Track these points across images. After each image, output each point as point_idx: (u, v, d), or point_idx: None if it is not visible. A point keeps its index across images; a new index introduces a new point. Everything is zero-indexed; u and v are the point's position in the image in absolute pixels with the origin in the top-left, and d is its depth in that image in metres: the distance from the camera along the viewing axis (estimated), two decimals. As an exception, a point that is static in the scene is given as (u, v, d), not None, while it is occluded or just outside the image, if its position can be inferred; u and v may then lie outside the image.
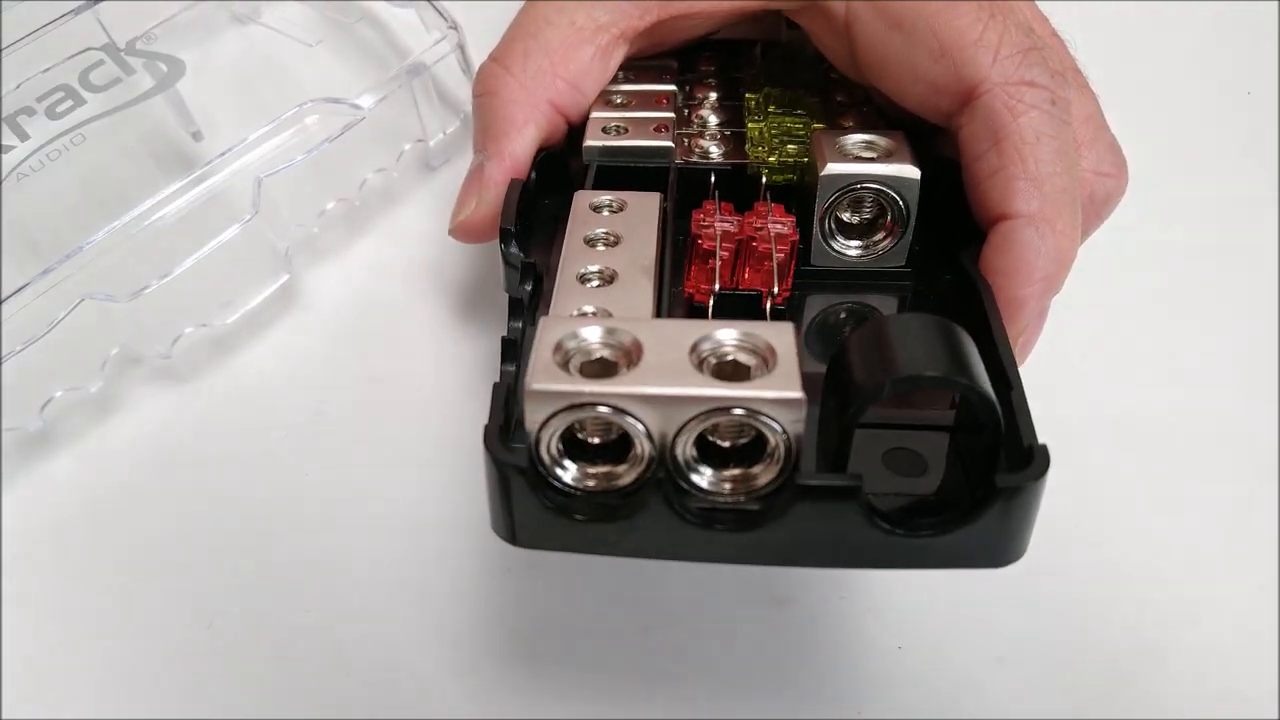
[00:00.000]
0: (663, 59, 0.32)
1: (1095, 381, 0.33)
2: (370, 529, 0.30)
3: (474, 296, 0.35)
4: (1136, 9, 0.42)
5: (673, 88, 0.31)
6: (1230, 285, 0.36)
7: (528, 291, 0.26)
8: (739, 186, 0.28)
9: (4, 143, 0.32)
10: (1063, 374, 0.32)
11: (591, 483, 0.20)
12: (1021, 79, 0.26)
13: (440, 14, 0.35)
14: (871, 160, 0.26)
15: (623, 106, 0.30)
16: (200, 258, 0.30)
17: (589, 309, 0.22)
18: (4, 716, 0.28)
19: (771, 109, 0.30)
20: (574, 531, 0.20)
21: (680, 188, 0.28)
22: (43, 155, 0.32)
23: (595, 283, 0.23)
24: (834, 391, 0.20)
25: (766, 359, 0.19)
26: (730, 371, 0.19)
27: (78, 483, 0.31)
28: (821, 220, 0.27)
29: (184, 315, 0.31)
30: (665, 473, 0.19)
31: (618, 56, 0.31)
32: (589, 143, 0.29)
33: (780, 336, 0.19)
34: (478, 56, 0.36)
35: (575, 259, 0.24)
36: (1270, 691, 0.28)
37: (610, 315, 0.22)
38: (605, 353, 0.20)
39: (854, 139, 0.27)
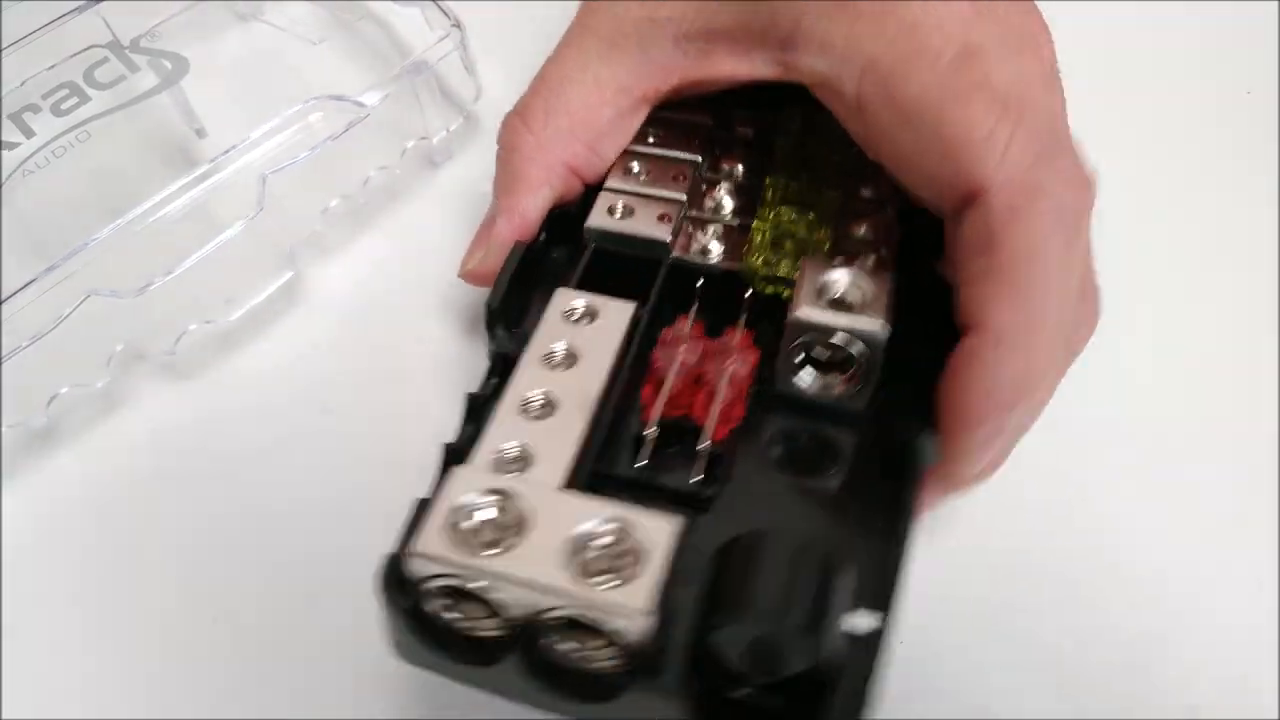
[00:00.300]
0: (698, 112, 0.32)
1: (1094, 381, 0.33)
2: (373, 526, 0.30)
3: (477, 294, 0.35)
4: (1132, 8, 0.42)
5: (696, 159, 0.31)
6: (1226, 284, 0.36)
7: (490, 390, 0.27)
8: (729, 290, 0.29)
9: (9, 139, 0.32)
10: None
11: (465, 627, 0.21)
12: (1029, 183, 0.24)
13: (443, 12, 0.35)
14: (848, 307, 0.26)
15: (638, 176, 0.31)
16: (205, 254, 0.30)
17: (513, 447, 0.24)
18: (5, 715, 0.28)
19: (784, 206, 0.30)
20: (447, 664, 0.22)
21: (672, 281, 0.29)
22: (48, 152, 0.32)
23: (535, 410, 0.25)
24: (713, 580, 0.21)
25: (636, 562, 0.20)
26: (599, 568, 0.20)
27: (82, 478, 0.31)
28: (788, 354, 0.27)
29: (189, 312, 0.31)
30: (527, 634, 0.21)
31: (639, 118, 0.31)
32: (591, 222, 0.29)
33: (657, 538, 0.20)
34: (480, 55, 0.36)
35: (527, 377, 0.25)
36: (1270, 691, 0.28)
37: (526, 463, 0.24)
38: (498, 520, 0.21)
39: (838, 277, 0.26)
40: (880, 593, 0.23)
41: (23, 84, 0.34)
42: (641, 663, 0.20)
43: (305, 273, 0.35)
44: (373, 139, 0.34)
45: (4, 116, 0.32)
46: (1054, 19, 0.29)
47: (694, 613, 0.21)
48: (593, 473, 0.25)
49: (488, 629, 0.21)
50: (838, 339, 0.26)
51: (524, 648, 0.21)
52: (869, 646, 0.22)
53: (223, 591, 0.29)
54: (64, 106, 0.33)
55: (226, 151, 0.31)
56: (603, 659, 0.21)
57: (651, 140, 0.32)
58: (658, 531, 0.21)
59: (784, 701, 0.21)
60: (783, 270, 0.28)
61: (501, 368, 0.27)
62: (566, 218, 0.31)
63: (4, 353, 0.28)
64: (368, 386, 0.33)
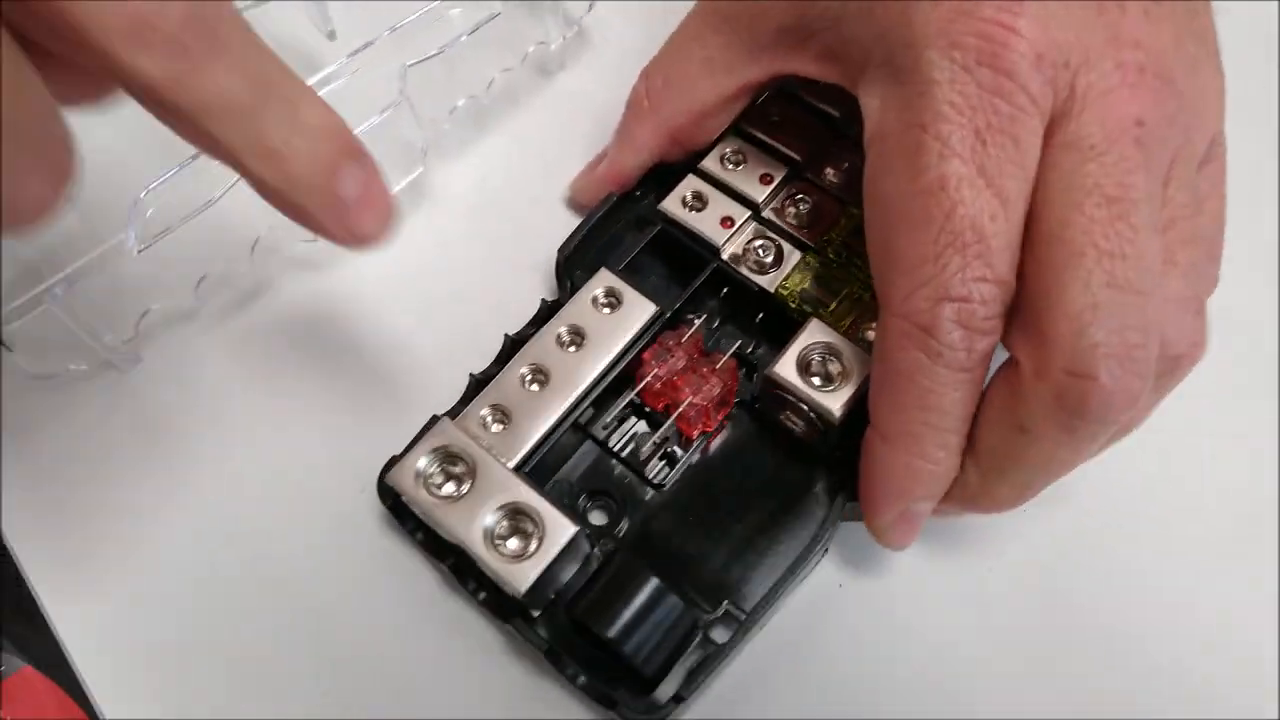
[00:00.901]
0: (829, 101, 0.33)
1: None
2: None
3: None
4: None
5: (796, 158, 0.32)
6: (1226, 284, 0.34)
7: (526, 335, 0.30)
8: (756, 306, 0.31)
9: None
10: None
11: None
12: (918, 322, 0.24)
13: (561, -79, 0.36)
14: (825, 377, 0.28)
15: (731, 163, 0.32)
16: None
17: (500, 411, 0.29)
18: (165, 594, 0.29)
19: (843, 247, 0.31)
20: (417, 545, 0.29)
21: (710, 284, 0.31)
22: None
23: (530, 382, 0.29)
24: (594, 576, 0.27)
25: (534, 542, 0.26)
26: (508, 535, 0.27)
27: (226, 357, 0.33)
28: (765, 394, 0.29)
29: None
30: (459, 553, 0.27)
31: (741, 102, 0.32)
32: (663, 205, 0.32)
33: (556, 535, 0.26)
34: (595, -35, 0.37)
35: (536, 349, 0.29)
36: (1270, 691, 0.29)
37: (504, 424, 0.28)
38: (452, 473, 0.27)
39: (827, 343, 0.28)
40: (749, 612, 0.27)
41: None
42: (520, 607, 0.27)
43: (431, 170, 0.36)
44: (498, 41, 0.35)
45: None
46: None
47: (567, 590, 0.27)
48: (573, 427, 0.29)
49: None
50: (800, 404, 0.28)
51: (457, 558, 0.28)
52: (717, 651, 0.27)
53: (365, 464, 0.30)
54: (206, 4, 0.34)
55: (370, 44, 0.32)
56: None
57: (774, 118, 0.33)
58: (558, 531, 0.26)
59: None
60: (798, 302, 0.30)
61: (545, 314, 0.31)
62: (667, 170, 0.33)
63: (158, 231, 0.29)
64: (490, 278, 0.34)
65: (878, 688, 0.29)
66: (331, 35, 0.36)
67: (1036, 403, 0.24)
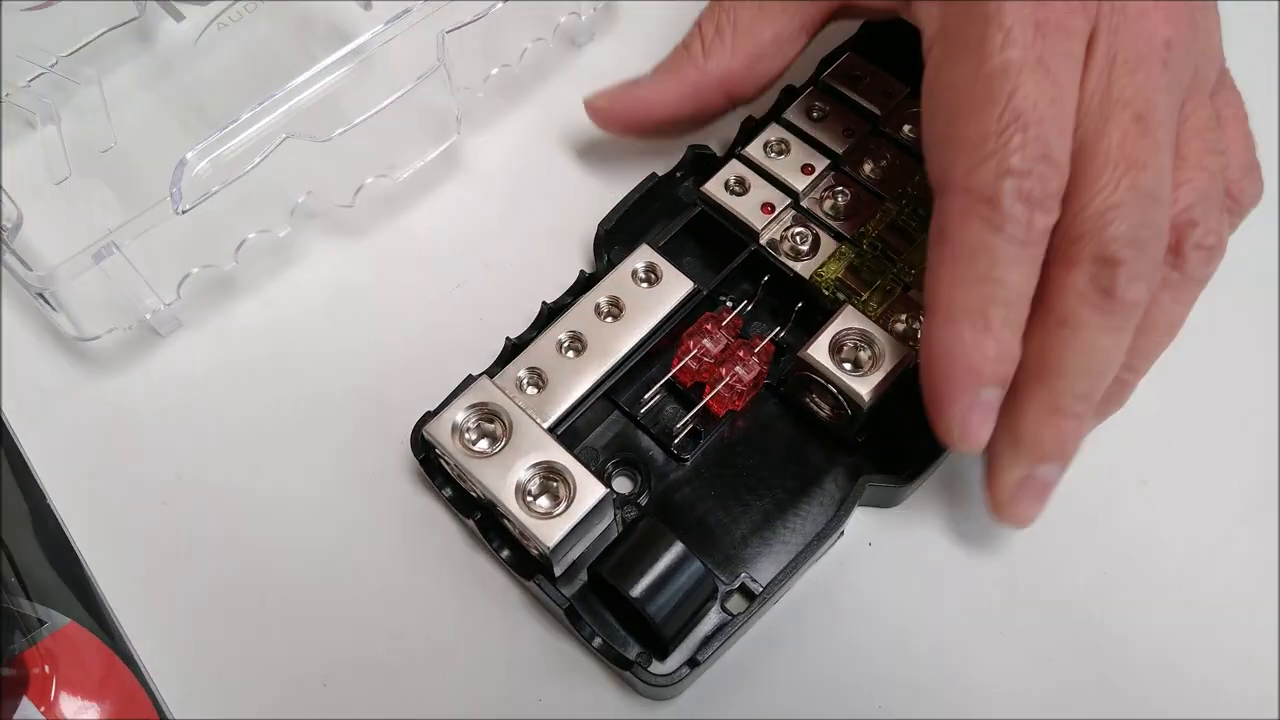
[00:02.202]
0: (871, 98, 0.33)
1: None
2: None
3: (614, 172, 0.36)
4: None
5: (837, 152, 0.33)
6: (1226, 286, 0.32)
7: (563, 304, 0.31)
8: (791, 293, 0.32)
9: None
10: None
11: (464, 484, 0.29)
12: (984, 193, 0.25)
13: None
14: (855, 363, 0.29)
15: (774, 151, 0.33)
16: (386, 106, 0.31)
17: (536, 373, 0.29)
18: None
19: (879, 239, 0.31)
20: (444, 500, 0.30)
21: (747, 268, 0.32)
22: (232, 13, 0.34)
23: (568, 348, 0.30)
24: (620, 537, 0.28)
25: (563, 502, 0.27)
26: (536, 493, 0.27)
27: (263, 323, 0.33)
28: (794, 376, 0.30)
29: (366, 165, 0.33)
30: (485, 508, 0.28)
31: (798, 44, 0.33)
32: (705, 188, 0.32)
33: (586, 495, 0.27)
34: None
35: (575, 317, 0.30)
36: (1270, 691, 0.29)
37: (540, 387, 0.29)
38: (488, 430, 0.28)
39: (860, 329, 0.29)
40: (765, 585, 0.28)
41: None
42: (542, 565, 0.28)
43: (463, 140, 0.36)
44: (530, 11, 0.35)
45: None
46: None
47: (588, 554, 0.28)
48: (604, 397, 0.30)
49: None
50: (830, 386, 0.29)
51: (483, 514, 0.28)
52: (732, 620, 0.27)
53: (399, 424, 0.31)
54: (244, -27, 0.35)
55: (407, 10, 0.32)
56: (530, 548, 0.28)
57: (814, 114, 0.33)
58: (588, 492, 0.27)
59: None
60: (833, 288, 0.31)
61: (583, 285, 0.31)
62: (707, 158, 0.34)
63: (204, 191, 0.30)
64: (520, 246, 0.35)
65: (888, 658, 0.29)
66: (366, 5, 0.36)
67: (1072, 291, 0.25)
